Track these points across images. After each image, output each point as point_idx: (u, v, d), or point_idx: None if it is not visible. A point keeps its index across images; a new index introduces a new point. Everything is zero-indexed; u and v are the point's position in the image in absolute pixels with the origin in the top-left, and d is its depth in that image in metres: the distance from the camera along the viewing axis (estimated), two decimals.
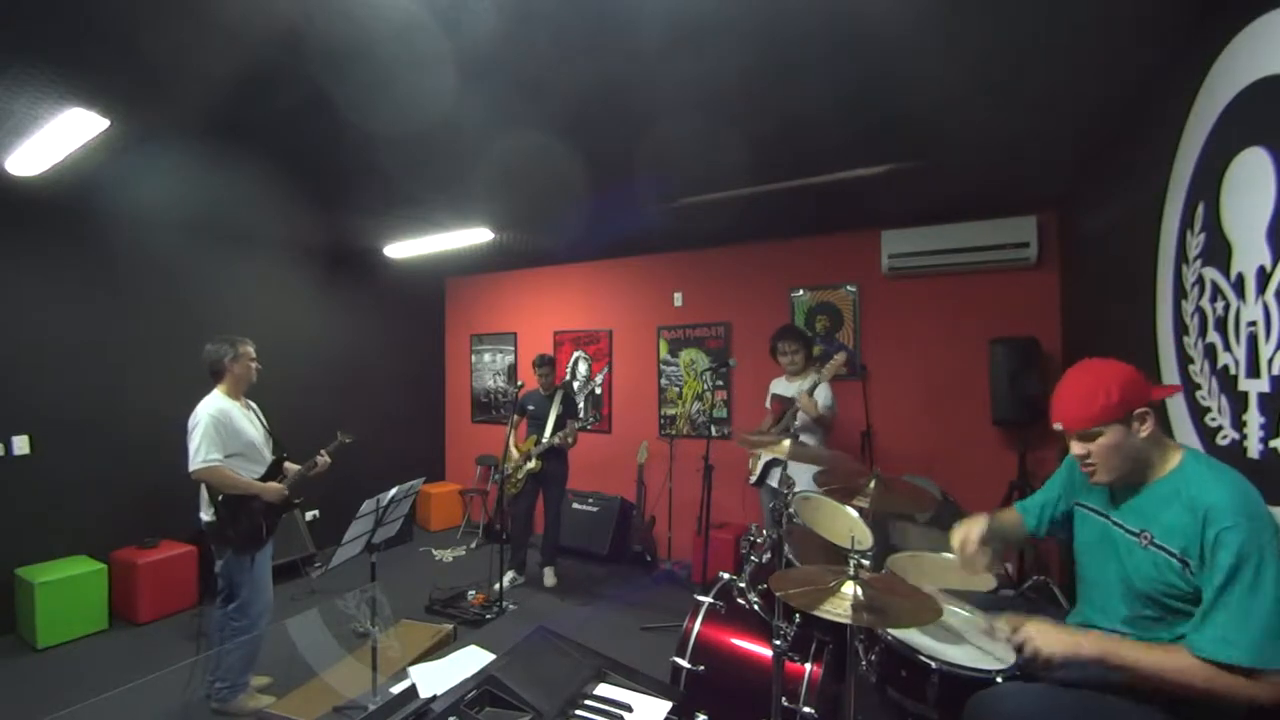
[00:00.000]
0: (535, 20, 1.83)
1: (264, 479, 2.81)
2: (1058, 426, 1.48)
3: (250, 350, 2.89)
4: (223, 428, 2.68)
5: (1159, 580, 1.34)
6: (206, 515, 2.71)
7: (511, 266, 6.04)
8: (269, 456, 2.89)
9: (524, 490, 4.40)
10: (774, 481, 3.59)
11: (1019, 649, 1.43)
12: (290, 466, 2.96)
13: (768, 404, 3.86)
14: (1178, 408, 1.92)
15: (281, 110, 2.47)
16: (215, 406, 2.71)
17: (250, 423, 2.85)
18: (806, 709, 1.97)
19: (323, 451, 3.04)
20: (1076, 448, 1.46)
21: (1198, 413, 1.77)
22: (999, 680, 1.55)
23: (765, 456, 3.63)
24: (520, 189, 3.56)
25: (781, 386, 3.77)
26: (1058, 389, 1.50)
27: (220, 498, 2.66)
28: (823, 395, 3.42)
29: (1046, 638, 1.38)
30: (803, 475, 3.22)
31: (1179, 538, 1.32)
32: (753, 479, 3.75)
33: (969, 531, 1.76)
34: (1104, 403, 1.38)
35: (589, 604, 4.14)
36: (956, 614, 1.86)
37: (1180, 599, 1.32)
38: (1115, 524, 1.49)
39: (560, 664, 1.54)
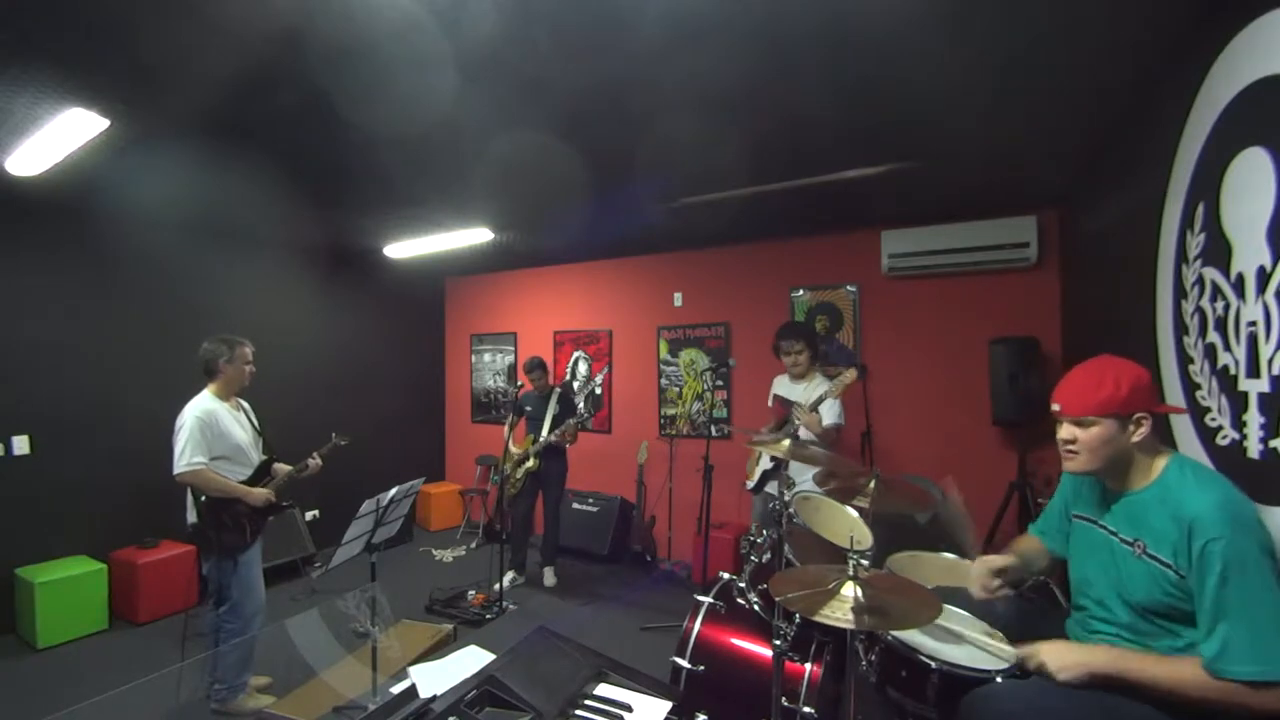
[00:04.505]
0: (535, 20, 1.83)
1: (251, 481, 2.79)
2: (1056, 408, 1.48)
3: (247, 353, 2.86)
4: (208, 430, 2.66)
5: (1155, 591, 1.33)
6: (191, 517, 2.70)
7: (511, 266, 6.04)
8: (256, 459, 2.86)
9: (523, 490, 4.40)
10: (772, 489, 3.48)
11: (1037, 670, 1.40)
12: (280, 468, 2.92)
13: (770, 403, 3.60)
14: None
15: (282, 110, 2.47)
16: (202, 408, 2.68)
17: (238, 424, 2.82)
18: (806, 709, 1.97)
19: (315, 454, 3.03)
20: (1066, 431, 1.46)
21: (1198, 413, 1.77)
22: (999, 680, 1.54)
23: (764, 465, 3.45)
24: (520, 189, 3.56)
25: (784, 387, 3.50)
26: (1068, 374, 1.51)
27: (203, 500, 2.64)
28: (830, 413, 3.15)
29: (1058, 657, 1.36)
30: (802, 475, 3.18)
31: (1167, 547, 1.31)
32: (750, 484, 3.58)
33: (990, 561, 1.75)
34: (1109, 395, 1.39)
35: (589, 604, 4.14)
36: (955, 614, 1.85)
37: (1179, 609, 1.30)
38: (1110, 532, 1.48)
39: (560, 664, 1.53)
